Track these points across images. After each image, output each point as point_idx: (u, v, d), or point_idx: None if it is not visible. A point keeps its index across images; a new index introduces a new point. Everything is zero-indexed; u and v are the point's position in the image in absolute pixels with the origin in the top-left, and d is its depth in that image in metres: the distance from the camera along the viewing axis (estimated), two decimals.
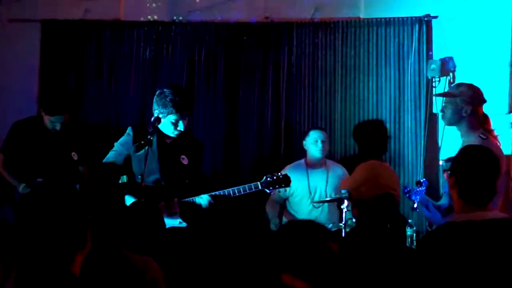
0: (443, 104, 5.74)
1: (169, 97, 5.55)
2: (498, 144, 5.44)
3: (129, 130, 5.79)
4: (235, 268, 2.83)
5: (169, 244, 4.42)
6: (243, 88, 7.63)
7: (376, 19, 7.46)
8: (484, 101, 5.53)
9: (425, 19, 7.29)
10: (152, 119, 5.56)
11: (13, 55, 7.66)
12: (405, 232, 5.87)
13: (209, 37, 7.65)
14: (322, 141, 6.94)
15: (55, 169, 6.33)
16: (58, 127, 6.31)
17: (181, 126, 5.62)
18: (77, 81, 7.63)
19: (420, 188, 5.58)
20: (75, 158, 6.45)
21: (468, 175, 3.36)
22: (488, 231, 3.23)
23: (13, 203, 6.33)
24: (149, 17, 7.69)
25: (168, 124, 5.61)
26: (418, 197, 5.63)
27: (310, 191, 6.93)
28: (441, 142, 7.17)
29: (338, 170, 7.03)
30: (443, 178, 6.48)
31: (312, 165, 7.02)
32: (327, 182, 6.96)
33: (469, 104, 5.44)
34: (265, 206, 7.02)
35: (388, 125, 7.38)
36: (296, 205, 6.99)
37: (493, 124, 5.52)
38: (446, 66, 7.19)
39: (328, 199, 6.72)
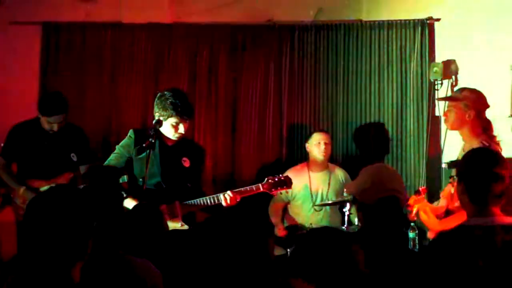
0: (446, 108, 5.72)
1: (170, 100, 5.56)
2: (500, 150, 5.41)
3: (130, 132, 5.80)
4: (237, 272, 2.80)
5: (171, 247, 4.40)
6: (244, 91, 7.60)
7: (378, 21, 7.45)
8: (488, 106, 5.51)
9: (428, 21, 7.28)
10: (153, 122, 5.58)
11: (14, 57, 7.64)
12: (406, 234, 5.85)
13: (210, 39, 7.63)
14: (325, 144, 6.92)
15: (55, 171, 6.33)
16: (55, 128, 6.34)
17: (181, 129, 5.62)
18: (78, 83, 7.60)
19: (419, 197, 5.53)
20: (75, 159, 6.45)
21: (478, 179, 3.34)
22: (500, 235, 3.20)
23: (12, 205, 6.34)
24: (150, 19, 7.66)
25: (169, 127, 5.61)
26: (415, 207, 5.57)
27: (312, 194, 6.92)
28: (444, 145, 7.15)
29: (340, 174, 7.02)
30: (445, 181, 6.45)
31: (314, 168, 7.00)
32: (329, 185, 6.94)
33: (472, 109, 5.42)
34: (268, 210, 7.01)
35: (390, 128, 7.37)
36: (297, 208, 6.97)
37: (494, 128, 5.49)
38: (449, 69, 7.17)
39: (330, 202, 6.70)
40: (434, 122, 7.24)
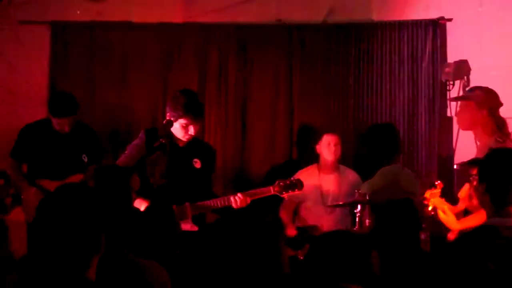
0: (458, 109, 5.69)
1: (181, 101, 5.55)
2: None
3: (142, 133, 5.80)
4: (247, 274, 2.78)
5: (180, 249, 4.38)
6: (255, 91, 7.58)
7: (389, 21, 7.42)
8: (500, 104, 5.47)
9: (439, 21, 7.24)
10: (164, 122, 5.57)
11: (23, 57, 7.65)
12: (418, 236, 5.81)
13: (220, 39, 7.61)
14: (335, 145, 6.88)
15: (66, 172, 6.32)
16: (66, 128, 6.35)
17: (191, 131, 5.61)
18: (87, 83, 7.59)
19: (435, 191, 5.50)
20: (86, 160, 6.44)
21: (499, 180, 3.31)
22: None
23: (22, 205, 6.35)
24: (159, 19, 7.64)
25: (179, 128, 5.61)
26: (432, 200, 5.54)
27: (322, 196, 6.88)
28: (456, 146, 7.10)
29: (351, 175, 6.97)
30: (458, 181, 6.41)
31: (324, 170, 6.96)
32: (339, 187, 6.90)
33: (484, 108, 5.40)
34: (279, 213, 6.98)
35: (401, 129, 7.33)
36: (308, 210, 6.93)
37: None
38: (461, 69, 7.11)
39: (341, 203, 6.66)
40: (446, 122, 7.19)
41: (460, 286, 3.08)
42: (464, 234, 3.40)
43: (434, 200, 5.24)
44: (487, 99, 5.43)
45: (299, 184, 5.77)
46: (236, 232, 2.93)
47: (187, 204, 5.54)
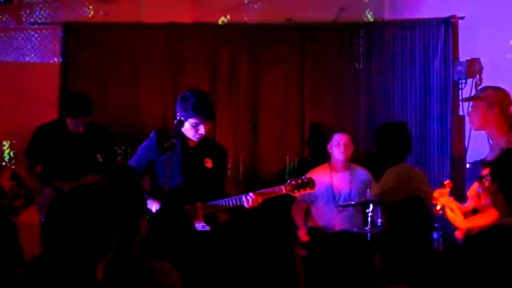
0: (470, 109, 5.66)
1: (190, 101, 5.55)
2: None
3: (152, 133, 5.81)
4: (259, 275, 2.77)
5: (192, 249, 4.38)
6: (265, 91, 7.57)
7: (401, 20, 7.38)
8: None
9: (451, 20, 7.19)
10: (175, 122, 5.57)
11: (34, 58, 7.66)
12: (431, 235, 5.79)
13: (231, 39, 7.60)
14: (345, 144, 6.88)
15: (80, 172, 6.32)
16: (80, 129, 6.36)
17: (201, 130, 5.61)
18: (98, 83, 7.59)
19: (444, 190, 5.48)
20: (100, 160, 6.45)
21: None
22: None
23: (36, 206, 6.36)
24: (170, 19, 7.64)
25: (190, 128, 5.60)
26: (440, 200, 5.51)
27: (334, 195, 6.87)
28: (468, 145, 7.07)
29: (363, 174, 6.96)
30: (470, 181, 6.38)
31: (336, 169, 6.95)
32: (351, 185, 6.89)
33: (496, 107, 5.38)
34: (291, 212, 6.97)
35: (413, 128, 7.30)
36: (320, 209, 6.92)
37: None
38: (473, 68, 7.09)
39: (352, 203, 6.65)
40: (458, 121, 7.17)
41: (473, 286, 3.06)
42: (477, 234, 3.35)
43: (442, 200, 5.22)
44: (498, 99, 5.41)
45: (311, 183, 5.76)
46: (248, 233, 2.91)
47: (198, 203, 5.54)
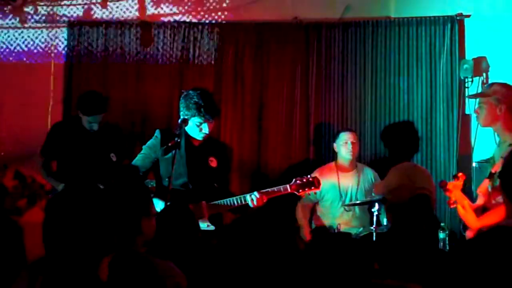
0: (477, 105, 5.63)
1: (194, 100, 5.53)
2: None
3: (157, 133, 5.78)
4: (264, 275, 2.75)
5: (197, 248, 4.36)
6: (271, 89, 7.54)
7: (407, 18, 7.35)
8: None
9: (458, 18, 7.16)
10: (179, 121, 5.55)
11: (39, 57, 7.66)
12: (437, 235, 5.77)
13: (236, 37, 7.58)
14: (352, 143, 6.85)
15: (94, 170, 6.36)
16: (95, 127, 6.41)
17: (205, 129, 5.57)
18: (103, 82, 7.59)
19: (457, 182, 5.42)
20: (114, 159, 6.49)
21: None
22: None
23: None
24: (175, 17, 7.62)
25: (193, 127, 5.58)
26: (454, 192, 5.45)
27: (341, 194, 6.84)
28: (474, 143, 7.04)
29: (369, 173, 6.94)
30: (476, 179, 6.36)
31: (342, 168, 6.93)
32: (358, 185, 6.86)
33: (503, 103, 5.34)
34: (295, 211, 6.94)
35: (420, 127, 7.27)
36: (326, 208, 6.90)
37: None
38: (479, 66, 7.06)
39: (359, 202, 6.62)
40: (465, 120, 7.13)
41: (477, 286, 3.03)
42: (477, 235, 3.32)
43: (456, 193, 5.18)
44: (506, 95, 5.37)
45: (316, 182, 5.72)
46: (253, 233, 2.90)
47: (203, 203, 5.52)
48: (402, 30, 7.34)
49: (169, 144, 5.45)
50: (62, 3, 7.73)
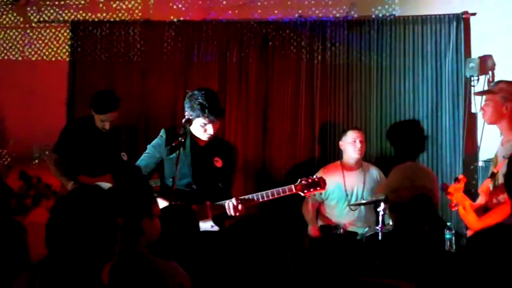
0: (483, 103, 5.62)
1: (198, 100, 5.50)
2: None
3: (162, 132, 5.77)
4: (268, 275, 2.74)
5: (201, 249, 4.35)
6: (275, 88, 7.52)
7: (412, 16, 7.31)
8: None
9: (463, 16, 7.12)
10: (183, 121, 5.53)
11: (42, 57, 7.66)
12: (443, 235, 5.74)
13: (240, 36, 7.56)
14: (360, 141, 6.82)
15: (105, 169, 6.41)
16: (107, 126, 6.48)
17: (210, 130, 5.55)
18: (107, 82, 7.58)
19: (458, 185, 5.41)
20: (125, 158, 6.52)
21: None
22: None
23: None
24: (179, 16, 7.61)
25: (198, 128, 5.56)
26: (455, 195, 5.44)
27: (346, 193, 6.82)
28: (480, 142, 7.01)
29: (375, 172, 6.91)
30: (482, 179, 6.33)
31: (348, 167, 6.90)
32: (364, 184, 6.84)
33: (509, 101, 5.35)
34: (301, 210, 6.92)
35: (425, 126, 7.24)
36: (331, 208, 6.87)
37: None
38: (485, 65, 7.03)
39: (364, 201, 6.60)
40: (470, 119, 7.10)
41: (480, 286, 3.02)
42: (477, 233, 3.31)
43: (457, 195, 5.17)
44: (511, 92, 5.37)
45: (322, 183, 5.70)
46: (256, 233, 2.88)
47: (207, 203, 5.49)
48: (407, 28, 7.30)
49: (173, 144, 5.44)
50: (66, 2, 7.72)
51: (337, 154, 7.10)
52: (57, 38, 7.72)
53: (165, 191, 5.51)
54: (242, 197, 5.56)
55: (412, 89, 7.28)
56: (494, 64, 7.04)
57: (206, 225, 5.38)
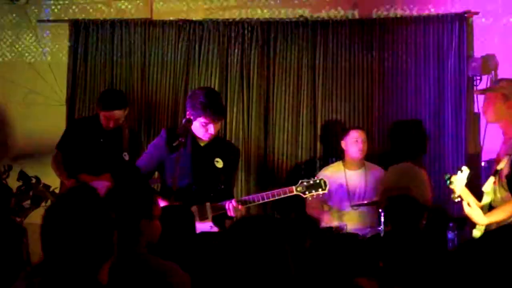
0: (484, 101, 5.61)
1: (199, 100, 5.49)
2: None
3: (163, 132, 5.78)
4: (268, 275, 2.72)
5: (200, 249, 4.33)
6: (277, 88, 7.50)
7: (415, 16, 7.29)
8: None
9: (466, 15, 7.10)
10: (183, 120, 5.51)
11: (42, 56, 7.65)
12: (445, 235, 5.72)
13: (242, 35, 7.53)
14: (363, 141, 6.81)
15: (106, 168, 6.39)
16: (111, 124, 6.41)
17: (211, 130, 5.53)
18: (107, 81, 7.56)
19: (461, 175, 5.36)
20: (126, 158, 6.48)
21: None
22: None
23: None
24: (180, 15, 7.59)
25: (199, 127, 5.54)
26: (458, 185, 5.38)
27: (349, 193, 6.80)
28: (483, 142, 6.99)
29: (377, 172, 6.88)
30: (486, 178, 6.31)
31: (350, 167, 6.89)
32: (366, 184, 6.83)
33: (510, 99, 5.32)
34: (306, 211, 6.89)
35: (427, 126, 7.21)
36: (333, 208, 6.84)
37: None
38: (488, 64, 7.00)
39: (366, 202, 6.58)
40: (473, 118, 7.09)
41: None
42: (484, 234, 3.29)
43: (460, 188, 5.14)
44: None
45: (323, 184, 5.68)
46: (256, 233, 2.85)
47: (207, 204, 5.48)
48: (409, 28, 7.28)
49: (174, 144, 5.42)
50: (66, 2, 7.72)
51: (339, 154, 7.08)
52: (57, 38, 7.70)
53: (166, 191, 5.49)
54: (242, 198, 5.55)
55: (415, 88, 7.25)
56: (497, 64, 7.02)
57: (205, 226, 5.37)
